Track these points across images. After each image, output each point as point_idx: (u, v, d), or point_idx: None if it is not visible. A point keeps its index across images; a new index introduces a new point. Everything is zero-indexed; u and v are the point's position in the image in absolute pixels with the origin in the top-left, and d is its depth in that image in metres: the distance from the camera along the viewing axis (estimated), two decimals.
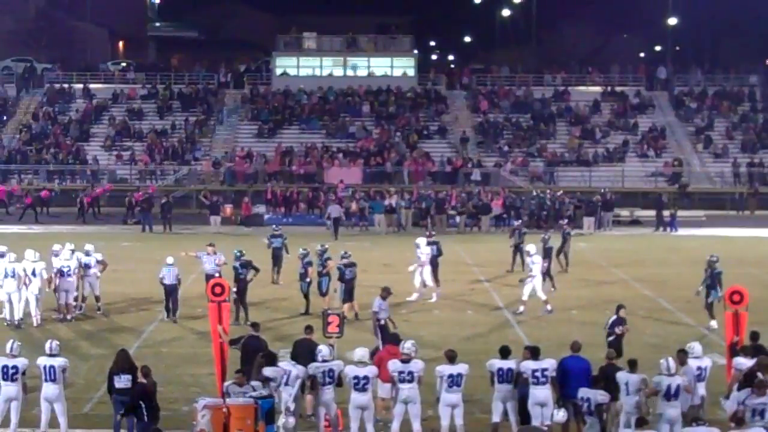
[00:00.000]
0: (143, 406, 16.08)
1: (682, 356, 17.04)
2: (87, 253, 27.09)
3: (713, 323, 25.21)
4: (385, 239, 43.26)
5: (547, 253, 30.55)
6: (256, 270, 26.42)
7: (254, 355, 18.01)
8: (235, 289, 25.81)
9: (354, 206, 47.35)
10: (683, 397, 16.32)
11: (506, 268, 33.77)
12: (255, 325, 18.87)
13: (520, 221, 37.65)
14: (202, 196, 48.50)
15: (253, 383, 16.38)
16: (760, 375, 16.23)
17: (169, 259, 26.65)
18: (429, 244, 29.81)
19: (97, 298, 27.15)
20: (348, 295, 26.28)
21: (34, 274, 25.65)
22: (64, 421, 16.98)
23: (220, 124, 61.00)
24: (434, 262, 29.75)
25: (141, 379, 16.38)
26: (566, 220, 37.62)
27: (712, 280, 25.56)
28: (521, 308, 27.27)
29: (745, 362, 17.12)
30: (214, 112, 61.96)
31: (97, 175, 56.36)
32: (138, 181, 55.86)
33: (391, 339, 18.31)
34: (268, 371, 16.71)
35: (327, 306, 26.00)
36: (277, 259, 31.53)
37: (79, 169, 56.97)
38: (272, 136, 60.21)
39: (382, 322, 21.64)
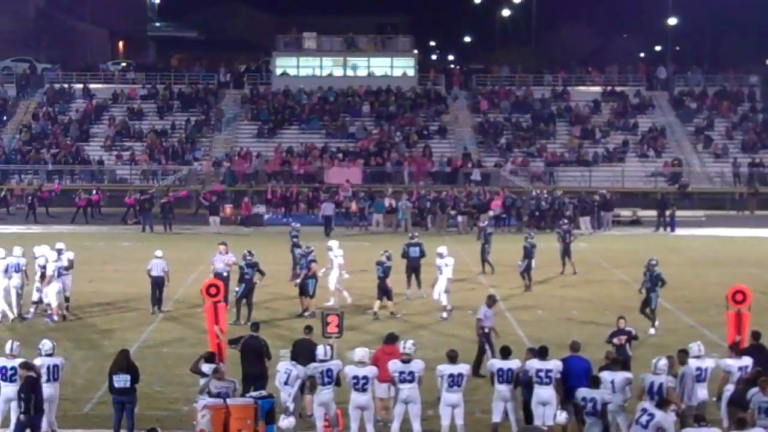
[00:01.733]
0: (32, 399, 16.15)
1: (682, 356, 17.02)
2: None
3: (651, 330, 25.07)
4: (385, 239, 43.20)
5: (527, 254, 30.49)
6: (262, 273, 26.44)
7: (254, 355, 18.00)
8: (237, 289, 25.87)
9: (354, 206, 47.38)
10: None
11: (511, 268, 33.75)
12: (255, 326, 18.86)
13: (486, 222, 37.51)
14: (202, 197, 48.58)
15: (233, 379, 16.49)
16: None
17: (158, 252, 27.46)
18: (412, 245, 29.56)
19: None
20: (379, 292, 26.72)
21: (17, 269, 25.99)
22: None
23: (218, 133, 60.67)
24: (417, 264, 29.45)
25: (29, 373, 16.35)
26: (566, 221, 37.63)
27: (652, 283, 25.43)
28: (444, 314, 26.60)
29: (732, 363, 17.07)
30: (212, 119, 61.44)
31: (101, 175, 56.35)
32: (138, 181, 55.85)
33: (387, 339, 18.27)
34: (205, 367, 16.79)
35: (314, 308, 26.26)
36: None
37: (80, 169, 56.99)
38: (272, 136, 60.21)
39: (487, 330, 21.16)
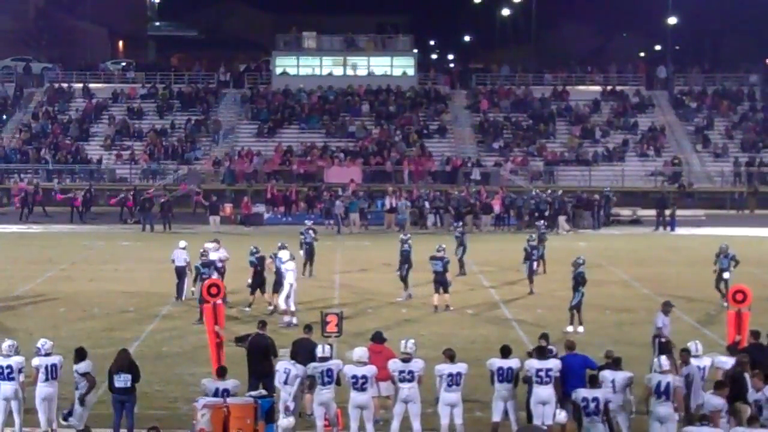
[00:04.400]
0: None
1: (684, 355, 16.98)
2: None
3: (579, 328, 25.04)
4: (386, 239, 43.20)
5: (528, 256, 30.34)
6: (219, 273, 26.71)
7: (261, 353, 17.96)
8: (193, 289, 26.09)
9: None
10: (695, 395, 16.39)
11: (510, 270, 33.71)
12: (262, 324, 18.81)
13: (460, 223, 37.48)
14: (200, 195, 48.66)
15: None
16: (746, 375, 16.24)
17: (181, 243, 28.42)
18: (404, 242, 29.51)
19: None
20: (436, 286, 27.16)
21: None
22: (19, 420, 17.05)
23: (216, 145, 60.11)
24: (410, 264, 29.37)
25: None
26: (543, 222, 37.63)
27: (575, 281, 25.47)
28: (293, 320, 25.39)
29: (726, 360, 17.07)
30: (210, 129, 61.07)
31: (101, 175, 56.30)
32: (138, 180, 55.80)
33: (374, 338, 18.23)
34: (82, 367, 16.59)
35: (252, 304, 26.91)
36: (309, 254, 32.12)
37: (79, 168, 56.95)
38: (272, 136, 60.19)
39: (664, 339, 20.37)
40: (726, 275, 28.05)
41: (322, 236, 39.66)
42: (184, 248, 28.36)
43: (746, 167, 56.99)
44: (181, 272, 28.38)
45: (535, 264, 30.60)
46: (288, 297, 25.55)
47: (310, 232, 32.52)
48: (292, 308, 25.60)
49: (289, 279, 25.59)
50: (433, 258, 27.43)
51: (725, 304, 26.89)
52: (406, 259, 29.11)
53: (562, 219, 45.54)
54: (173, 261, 28.42)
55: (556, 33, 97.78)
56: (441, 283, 27.27)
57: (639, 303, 28.90)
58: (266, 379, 17.51)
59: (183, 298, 28.38)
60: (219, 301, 18.89)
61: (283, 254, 26.29)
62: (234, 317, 25.61)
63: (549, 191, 48.44)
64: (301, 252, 31.86)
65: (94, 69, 69.32)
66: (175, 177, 56.23)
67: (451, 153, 58.13)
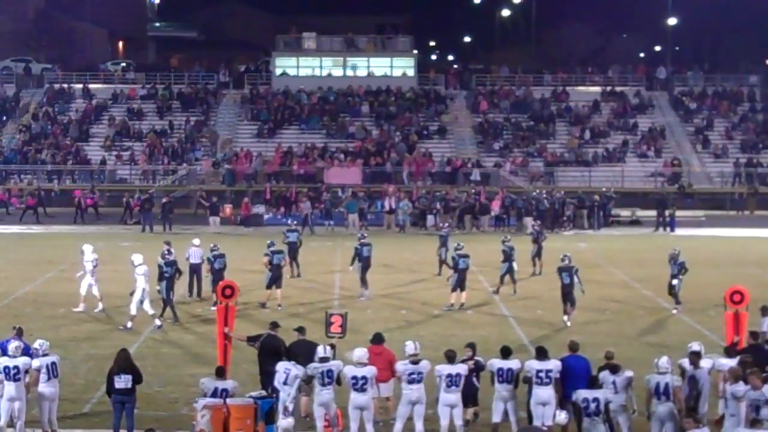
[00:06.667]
0: None
1: (694, 358, 16.97)
2: None
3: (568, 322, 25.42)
4: (384, 239, 43.19)
5: (506, 257, 30.16)
6: (179, 272, 26.84)
7: (273, 353, 17.95)
8: (159, 288, 26.18)
9: None
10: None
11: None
12: (274, 325, 18.76)
13: (447, 224, 37.45)
14: (199, 197, 48.69)
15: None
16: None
17: (196, 241, 28.83)
18: (362, 245, 29.54)
19: None
20: (458, 284, 27.54)
21: None
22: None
23: (213, 157, 59.93)
24: (367, 264, 29.43)
25: None
26: (538, 222, 37.63)
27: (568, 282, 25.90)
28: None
29: (726, 363, 17.08)
30: (206, 140, 60.91)
31: (102, 176, 56.24)
32: (138, 181, 55.81)
33: (374, 339, 18.21)
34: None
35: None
36: (293, 253, 32.09)
37: (79, 169, 56.90)
38: (272, 137, 60.20)
39: None
40: (675, 282, 27.83)
41: (325, 237, 39.76)
42: (198, 245, 28.81)
43: (746, 168, 57.03)
44: (196, 269, 28.72)
45: (515, 264, 30.40)
46: (142, 301, 25.32)
47: (289, 233, 32.57)
48: (150, 312, 25.44)
49: (140, 284, 25.36)
50: (462, 256, 27.74)
51: (674, 311, 27.15)
52: (358, 256, 29.27)
53: (528, 219, 45.41)
54: (188, 258, 28.61)
55: (556, 33, 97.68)
56: (463, 280, 27.59)
57: (639, 303, 28.90)
58: None
59: (193, 296, 28.77)
60: (232, 303, 18.93)
61: (136, 258, 25.94)
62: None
63: (544, 192, 48.56)
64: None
65: (94, 70, 69.32)
66: (174, 178, 56.25)
67: (451, 154, 58.16)
